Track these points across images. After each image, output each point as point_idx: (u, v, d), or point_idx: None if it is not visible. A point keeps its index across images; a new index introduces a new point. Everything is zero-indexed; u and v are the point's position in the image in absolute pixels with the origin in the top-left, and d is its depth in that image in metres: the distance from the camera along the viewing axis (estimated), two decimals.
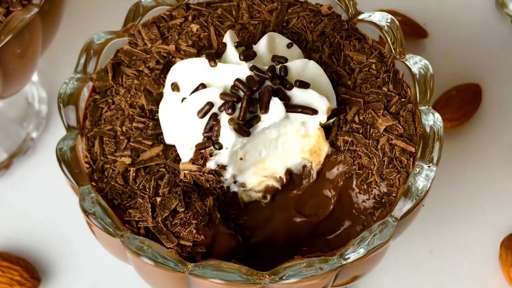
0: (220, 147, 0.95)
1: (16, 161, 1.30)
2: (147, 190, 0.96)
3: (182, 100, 0.97)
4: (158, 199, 0.95)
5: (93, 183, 0.98)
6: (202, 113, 0.94)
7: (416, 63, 1.02)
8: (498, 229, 1.23)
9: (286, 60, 0.98)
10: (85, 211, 0.94)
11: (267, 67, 0.96)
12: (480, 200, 1.26)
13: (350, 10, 1.07)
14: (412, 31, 1.36)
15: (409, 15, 1.38)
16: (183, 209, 0.94)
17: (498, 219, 1.24)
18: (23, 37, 1.07)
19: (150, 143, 1.00)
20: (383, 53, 1.05)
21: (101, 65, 1.04)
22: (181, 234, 0.94)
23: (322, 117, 0.97)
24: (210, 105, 0.94)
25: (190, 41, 1.05)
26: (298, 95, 0.96)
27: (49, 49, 1.19)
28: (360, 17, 1.06)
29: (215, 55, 0.97)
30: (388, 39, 1.04)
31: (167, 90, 0.99)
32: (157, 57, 1.04)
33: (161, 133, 1.00)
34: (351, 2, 1.07)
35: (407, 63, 1.02)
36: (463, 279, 1.21)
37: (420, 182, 0.96)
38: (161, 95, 1.02)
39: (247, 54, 0.96)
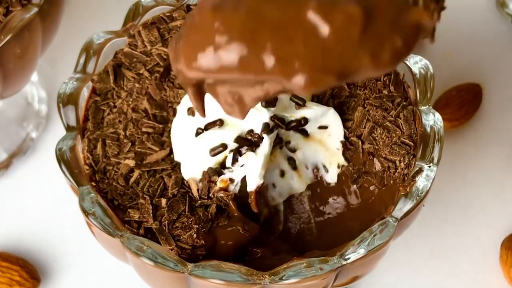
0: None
1: (16, 161, 1.30)
2: (151, 192, 0.96)
3: (197, 132, 0.97)
4: (164, 200, 0.95)
5: (93, 183, 0.98)
6: (214, 152, 0.96)
7: (416, 63, 1.02)
8: (498, 229, 1.23)
9: (304, 102, 0.98)
10: (84, 211, 0.94)
11: (288, 116, 0.97)
12: (480, 200, 1.26)
13: None
14: None
15: None
16: (187, 214, 0.95)
17: (499, 219, 1.24)
18: (23, 37, 1.07)
19: (157, 148, 1.00)
20: None
21: (100, 65, 1.04)
22: (181, 237, 0.94)
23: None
24: (224, 146, 0.96)
25: None
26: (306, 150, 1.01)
27: (49, 49, 1.18)
28: None
29: None
30: None
31: (181, 109, 0.99)
32: (157, 60, 1.04)
33: (169, 140, 1.00)
34: None
35: (407, 63, 1.02)
36: (463, 280, 1.21)
37: (421, 182, 0.96)
38: (163, 100, 1.02)
39: (270, 101, 0.97)
